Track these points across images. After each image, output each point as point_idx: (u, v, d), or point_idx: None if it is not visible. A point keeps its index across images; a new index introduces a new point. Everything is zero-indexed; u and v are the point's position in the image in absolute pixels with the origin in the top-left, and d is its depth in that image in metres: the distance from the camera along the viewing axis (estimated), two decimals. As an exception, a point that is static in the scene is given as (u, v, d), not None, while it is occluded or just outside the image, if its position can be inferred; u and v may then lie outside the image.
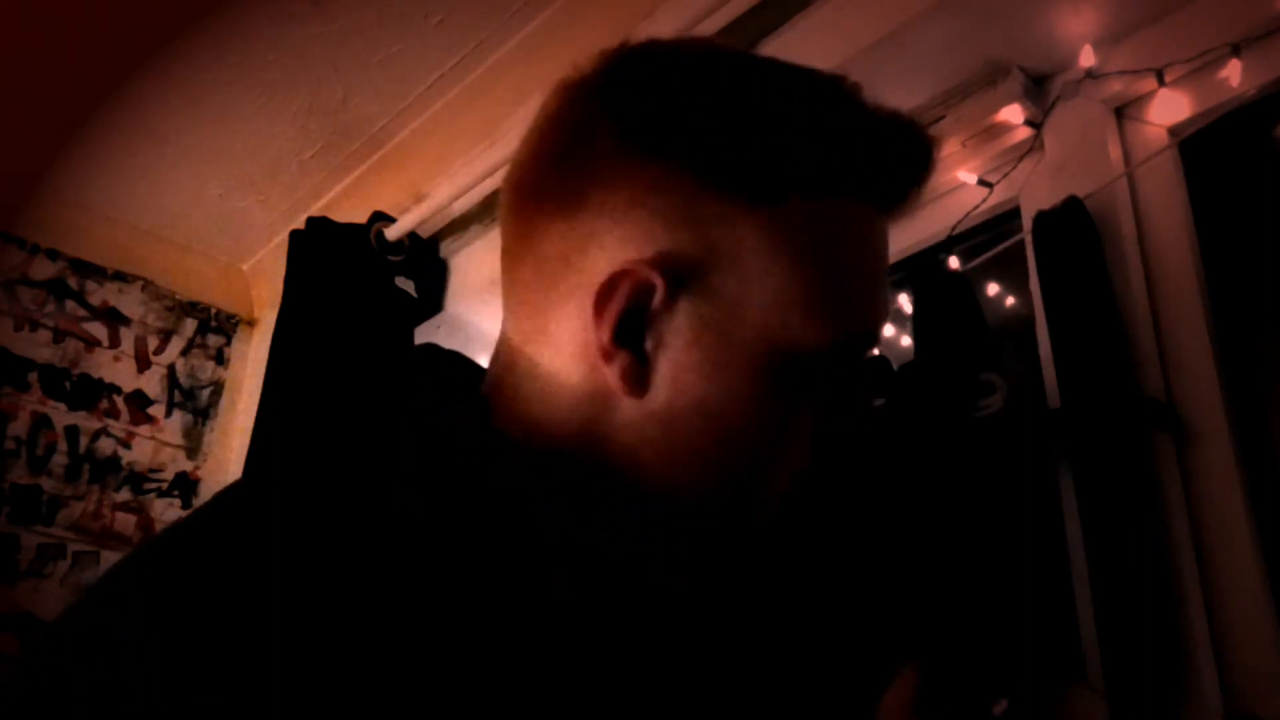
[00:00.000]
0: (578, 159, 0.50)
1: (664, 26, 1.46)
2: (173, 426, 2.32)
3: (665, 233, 0.48)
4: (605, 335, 0.49)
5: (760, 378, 0.49)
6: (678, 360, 0.49)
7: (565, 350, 0.51)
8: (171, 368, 2.35)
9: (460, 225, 1.95)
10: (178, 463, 2.31)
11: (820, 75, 0.54)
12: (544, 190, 0.51)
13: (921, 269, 1.41)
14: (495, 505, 0.47)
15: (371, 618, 0.42)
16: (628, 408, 0.49)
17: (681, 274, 0.48)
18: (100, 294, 2.27)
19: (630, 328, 0.49)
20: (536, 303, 0.51)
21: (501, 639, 0.44)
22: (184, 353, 2.39)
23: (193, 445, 2.35)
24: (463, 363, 0.57)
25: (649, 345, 0.49)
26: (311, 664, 0.41)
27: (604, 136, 0.50)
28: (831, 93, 0.53)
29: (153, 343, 2.34)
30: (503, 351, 0.54)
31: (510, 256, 0.53)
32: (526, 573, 0.47)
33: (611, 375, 0.49)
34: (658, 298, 0.48)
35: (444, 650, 0.42)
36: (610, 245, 0.49)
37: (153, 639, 0.41)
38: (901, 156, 0.53)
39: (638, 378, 0.49)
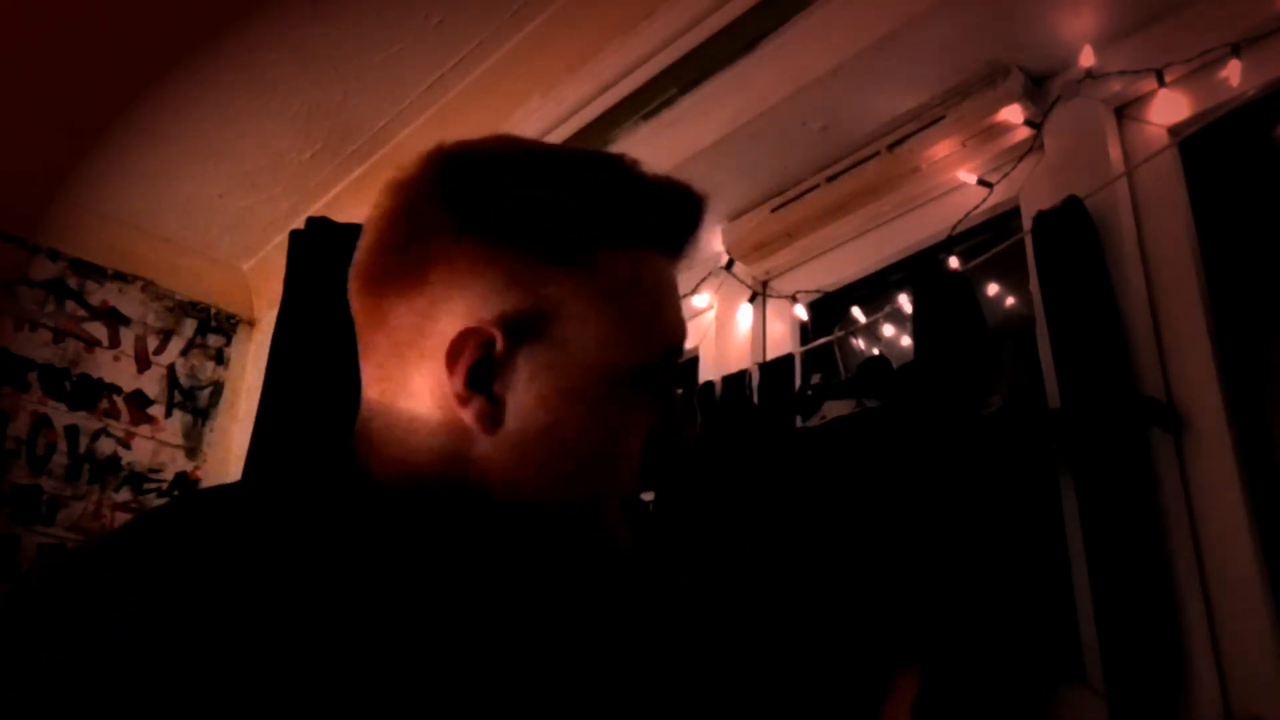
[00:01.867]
0: (419, 244, 0.62)
1: (663, 27, 1.46)
2: (173, 426, 2.32)
3: (500, 296, 0.60)
4: (459, 384, 0.59)
5: (591, 400, 0.59)
6: (522, 397, 0.59)
7: (425, 401, 0.61)
8: (171, 368, 2.35)
9: (460, 225, 1.94)
10: (177, 463, 2.31)
11: (604, 155, 0.67)
12: (391, 273, 0.63)
13: (921, 269, 1.41)
14: (369, 534, 0.57)
15: (346, 617, 0.50)
16: (484, 441, 0.60)
17: (517, 328, 0.60)
18: (100, 294, 2.28)
19: (479, 376, 0.59)
20: (394, 365, 0.62)
21: (392, 643, 0.51)
22: (184, 353, 2.39)
23: (193, 445, 2.35)
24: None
25: (497, 388, 0.60)
26: (303, 658, 0.46)
27: (440, 225, 0.61)
28: (615, 168, 0.65)
29: (153, 343, 2.34)
30: (365, 410, 0.64)
31: (365, 331, 0.65)
32: (411, 583, 0.55)
33: (468, 416, 0.59)
34: (499, 349, 0.59)
35: (400, 646, 0.51)
36: (456, 311, 0.60)
37: (151, 637, 0.42)
38: (677, 211, 0.65)
39: (491, 416, 0.59)
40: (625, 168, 0.65)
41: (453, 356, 0.59)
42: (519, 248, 0.60)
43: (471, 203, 0.62)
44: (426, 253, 0.61)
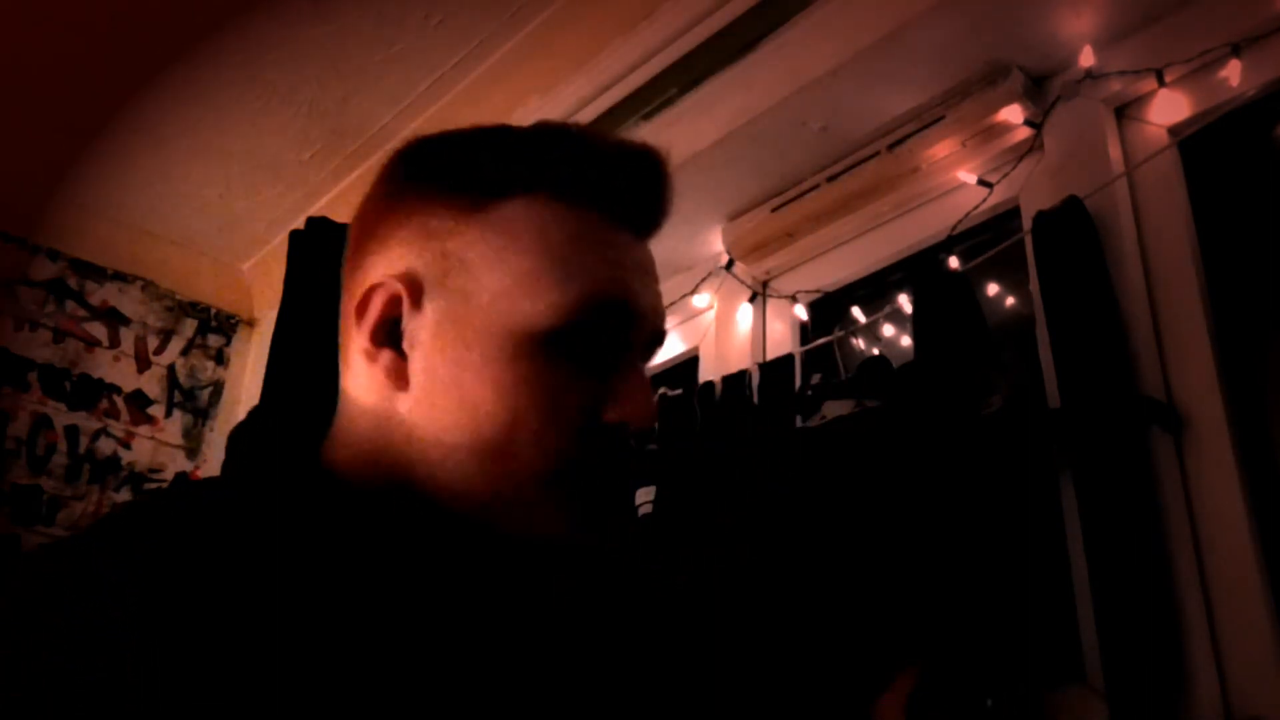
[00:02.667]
0: (361, 220, 0.62)
1: (663, 27, 1.46)
2: (173, 426, 2.32)
3: (410, 251, 0.59)
4: (364, 339, 0.58)
5: (497, 356, 0.55)
6: (427, 352, 0.57)
7: (357, 371, 0.60)
8: (171, 368, 2.35)
9: (460, 225, 1.95)
10: (177, 463, 2.31)
11: (556, 123, 0.64)
12: (346, 255, 0.64)
13: (921, 269, 1.41)
14: (318, 528, 0.55)
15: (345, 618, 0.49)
16: (401, 403, 0.58)
17: (423, 281, 0.58)
18: (100, 294, 2.28)
19: (388, 332, 0.58)
20: (344, 345, 0.62)
21: (361, 640, 0.50)
22: (184, 353, 2.39)
23: (192, 445, 2.35)
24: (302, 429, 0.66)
25: (405, 344, 0.58)
26: (303, 657, 0.45)
27: (376, 194, 0.62)
28: (552, 127, 0.62)
29: (153, 343, 2.34)
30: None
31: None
32: (367, 579, 0.53)
33: (378, 372, 0.58)
34: (405, 303, 0.58)
35: (393, 645, 0.50)
36: (371, 271, 0.60)
37: (151, 637, 0.42)
38: (605, 160, 0.60)
39: (398, 372, 0.58)
40: (564, 127, 0.62)
41: (360, 313, 0.59)
42: (434, 202, 0.59)
43: (403, 166, 0.62)
44: (364, 226, 0.62)
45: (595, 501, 0.57)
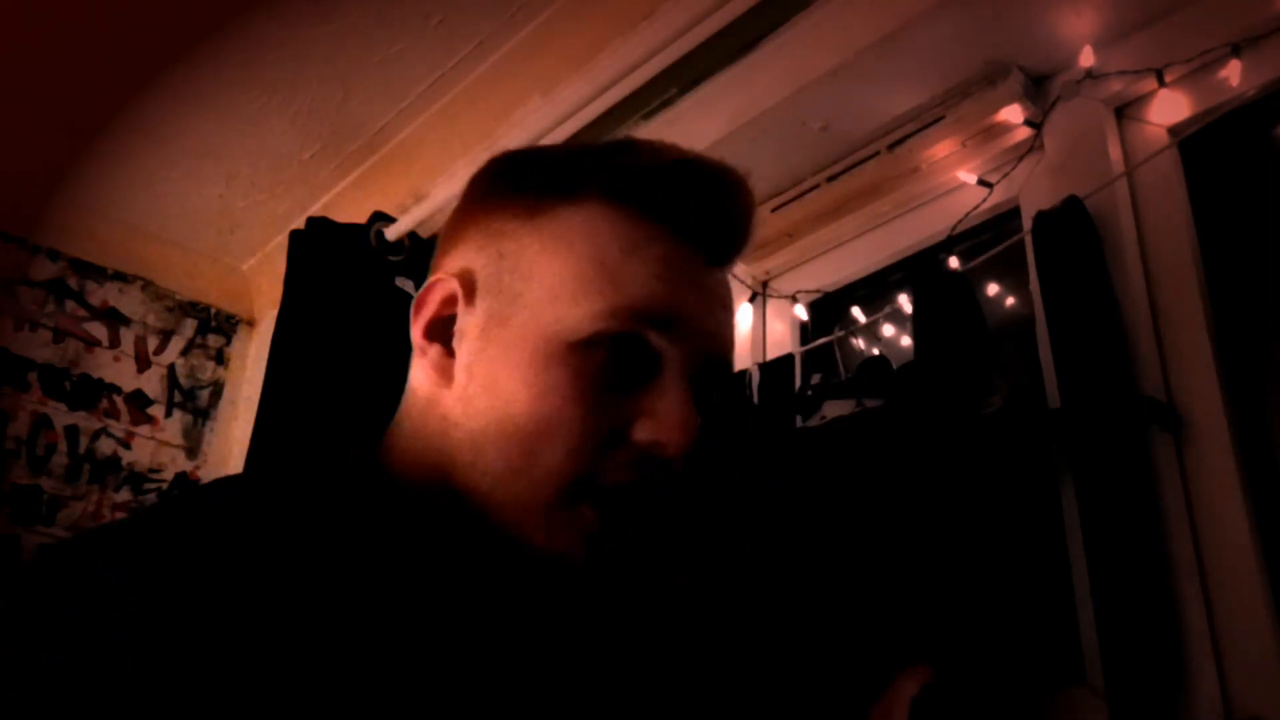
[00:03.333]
0: (451, 219, 0.63)
1: (663, 27, 1.46)
2: (173, 426, 2.32)
3: (472, 251, 0.60)
4: (418, 334, 0.60)
5: (533, 360, 0.55)
6: (471, 350, 0.57)
7: (414, 363, 0.61)
8: (171, 368, 2.35)
9: (460, 225, 1.94)
10: (177, 463, 2.31)
11: (636, 139, 0.63)
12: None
13: (921, 269, 1.41)
14: (363, 528, 0.55)
15: (346, 616, 0.49)
16: (445, 399, 0.58)
17: (478, 280, 0.58)
18: (100, 294, 2.27)
19: (440, 329, 0.59)
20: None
21: (383, 642, 0.50)
22: (184, 353, 2.39)
23: (193, 445, 2.35)
24: (366, 419, 0.66)
25: (455, 341, 0.59)
26: (302, 657, 0.45)
27: (468, 191, 0.63)
28: (628, 139, 0.62)
29: (153, 343, 2.34)
30: None
31: None
32: (400, 580, 0.53)
33: (427, 368, 0.59)
34: (460, 301, 0.59)
35: (397, 643, 0.50)
36: (438, 270, 0.61)
37: (150, 636, 0.42)
38: (665, 171, 0.58)
39: (443, 368, 0.58)
40: (640, 140, 0.61)
41: (417, 308, 0.60)
42: (500, 205, 0.59)
43: (483, 174, 0.63)
44: (445, 229, 0.63)
45: (606, 522, 0.55)
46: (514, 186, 0.60)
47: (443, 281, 0.59)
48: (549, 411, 0.53)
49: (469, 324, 0.58)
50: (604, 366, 0.54)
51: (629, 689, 0.60)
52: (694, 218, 0.57)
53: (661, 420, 0.54)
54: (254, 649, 0.45)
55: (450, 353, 0.59)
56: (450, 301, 0.59)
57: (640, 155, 0.59)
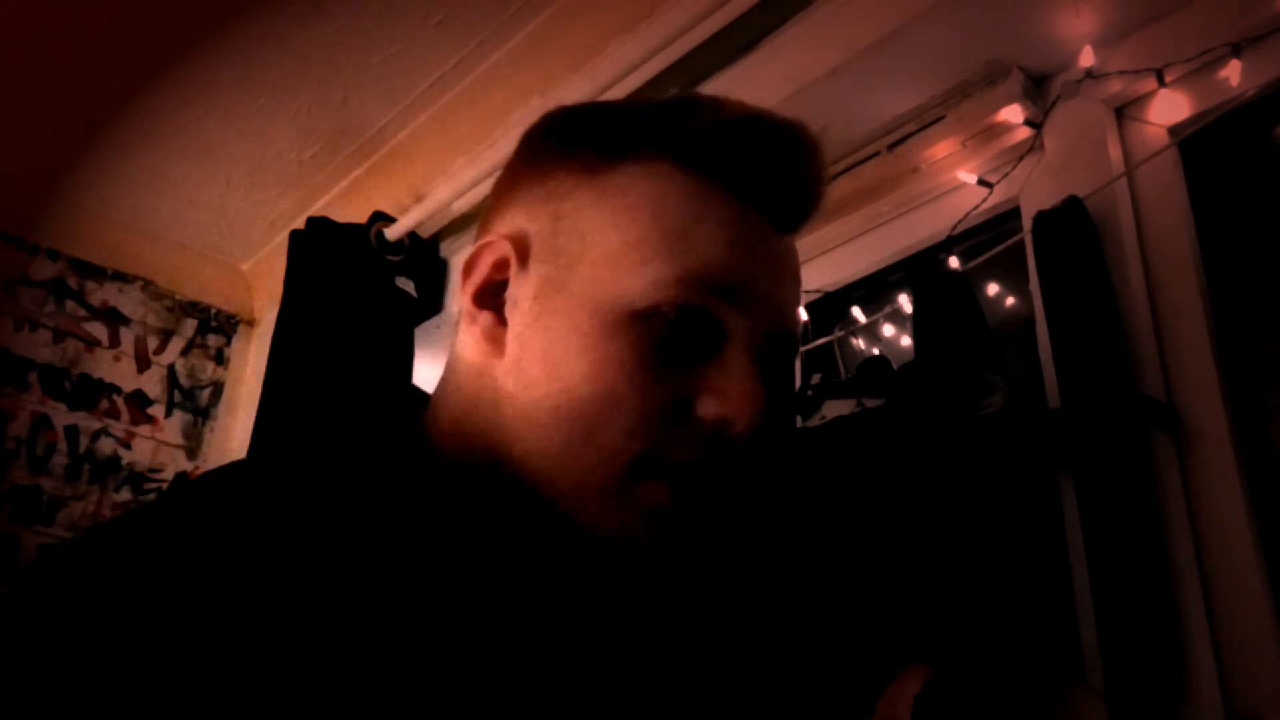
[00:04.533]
0: (501, 179, 0.59)
1: (663, 26, 1.46)
2: (173, 426, 2.32)
3: (525, 212, 0.55)
4: (468, 300, 0.56)
5: (592, 329, 0.51)
6: (525, 318, 0.54)
7: (460, 330, 0.57)
8: (171, 368, 2.35)
9: (460, 225, 1.95)
10: (178, 463, 2.31)
11: (699, 93, 0.60)
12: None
13: (921, 269, 1.41)
14: (420, 503, 0.52)
15: (355, 613, 0.45)
16: (496, 369, 0.54)
17: (531, 243, 0.54)
18: (100, 294, 2.28)
19: (491, 293, 0.55)
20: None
21: (398, 636, 0.47)
22: (184, 353, 2.39)
23: (193, 445, 2.35)
24: (410, 389, 0.63)
25: (507, 308, 0.55)
26: (298, 653, 0.43)
27: (520, 149, 0.59)
28: (691, 94, 0.57)
29: (153, 343, 2.34)
30: None
31: None
32: (422, 571, 0.50)
33: (476, 336, 0.55)
34: (513, 265, 0.55)
35: (410, 637, 0.47)
36: (488, 234, 0.57)
37: (149, 637, 0.41)
38: (736, 129, 0.54)
39: (495, 337, 0.54)
40: (705, 96, 0.57)
41: (467, 271, 0.56)
42: (556, 164, 0.55)
43: (536, 131, 0.59)
44: (495, 190, 0.59)
45: (680, 499, 0.51)
46: (571, 143, 0.56)
47: (494, 244, 0.55)
48: (609, 385, 0.50)
49: (522, 289, 0.54)
50: (667, 337, 0.51)
51: (683, 674, 0.57)
52: (765, 181, 0.54)
53: (728, 396, 0.51)
54: (295, 635, 0.43)
55: (502, 320, 0.55)
56: (502, 265, 0.55)
57: (707, 112, 0.54)
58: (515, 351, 0.53)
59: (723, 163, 0.53)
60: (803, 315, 1.57)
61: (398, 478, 0.52)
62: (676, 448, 0.51)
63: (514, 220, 0.56)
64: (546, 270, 0.53)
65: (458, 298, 0.57)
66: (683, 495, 0.52)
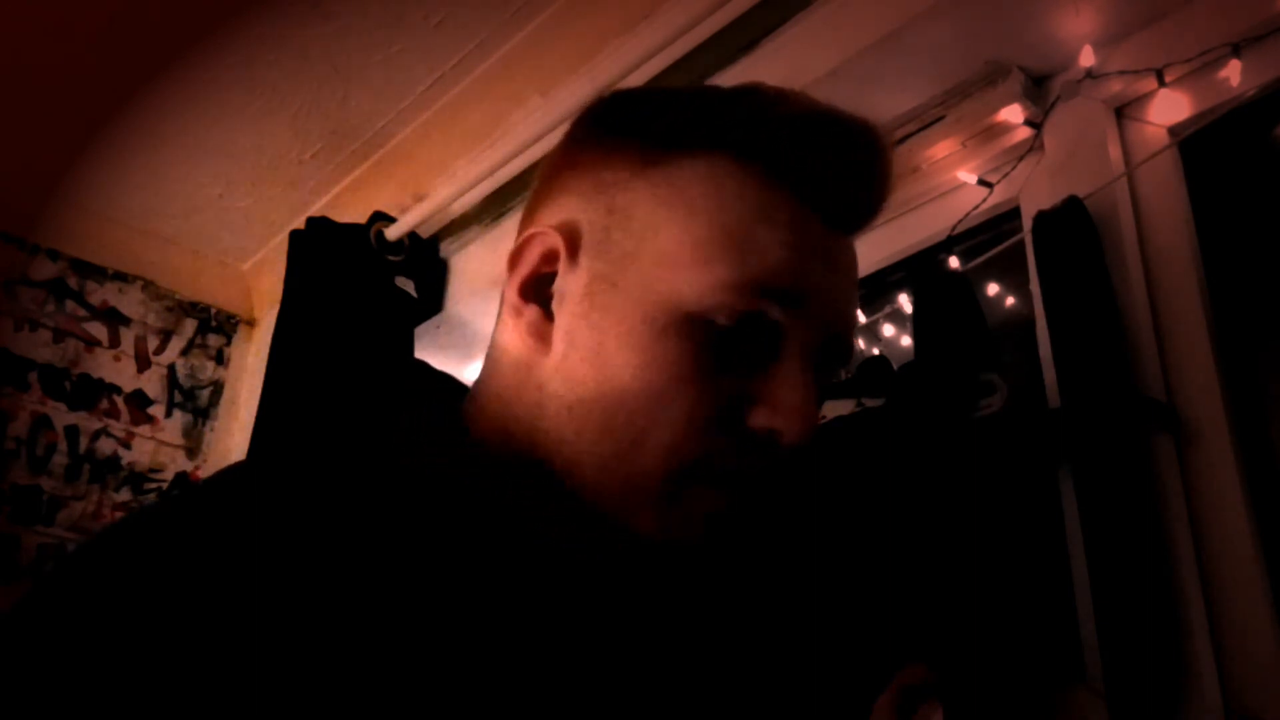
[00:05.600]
0: (550, 166, 0.57)
1: (663, 26, 1.46)
2: (173, 426, 2.32)
3: (577, 202, 0.53)
4: (513, 292, 0.53)
5: (642, 328, 0.49)
6: (573, 313, 0.52)
7: (503, 323, 0.55)
8: (171, 368, 2.35)
9: (460, 225, 1.95)
10: (178, 463, 2.31)
11: (765, 85, 0.56)
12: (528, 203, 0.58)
13: (921, 269, 1.41)
14: (458, 499, 0.50)
15: (363, 613, 0.43)
16: (541, 366, 0.52)
17: (583, 235, 0.52)
18: (100, 294, 2.28)
19: (541, 288, 0.53)
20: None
21: (459, 616, 0.45)
22: (184, 353, 2.39)
23: (193, 445, 2.35)
24: (434, 375, 0.61)
25: (555, 303, 0.53)
26: (307, 655, 0.41)
27: (563, 144, 0.57)
28: (757, 86, 0.54)
29: (153, 343, 2.34)
30: None
31: None
32: (488, 559, 0.48)
33: (521, 330, 0.53)
34: (562, 257, 0.52)
35: (426, 639, 0.44)
36: (536, 222, 0.55)
37: (156, 643, 0.41)
38: (801, 127, 0.52)
39: (541, 332, 0.52)
40: (771, 89, 0.54)
41: (514, 263, 0.54)
42: (611, 153, 0.53)
43: (589, 117, 0.57)
44: (543, 177, 0.57)
45: (732, 504, 0.50)
46: (628, 132, 0.53)
47: (542, 235, 0.53)
48: (660, 388, 0.48)
49: (571, 284, 0.52)
50: (721, 343, 0.49)
51: (695, 675, 0.55)
52: (828, 180, 0.51)
53: (780, 406, 0.50)
54: (326, 638, 0.41)
55: (549, 315, 0.53)
56: (551, 258, 0.53)
57: (769, 106, 0.52)
58: (562, 349, 0.52)
59: (785, 160, 0.51)
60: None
61: (434, 472, 0.51)
62: (725, 455, 0.50)
63: (564, 210, 0.54)
64: (598, 265, 0.51)
65: (505, 288, 0.55)
66: (732, 501, 0.51)
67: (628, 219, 0.51)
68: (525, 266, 0.54)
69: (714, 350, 0.49)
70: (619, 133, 0.54)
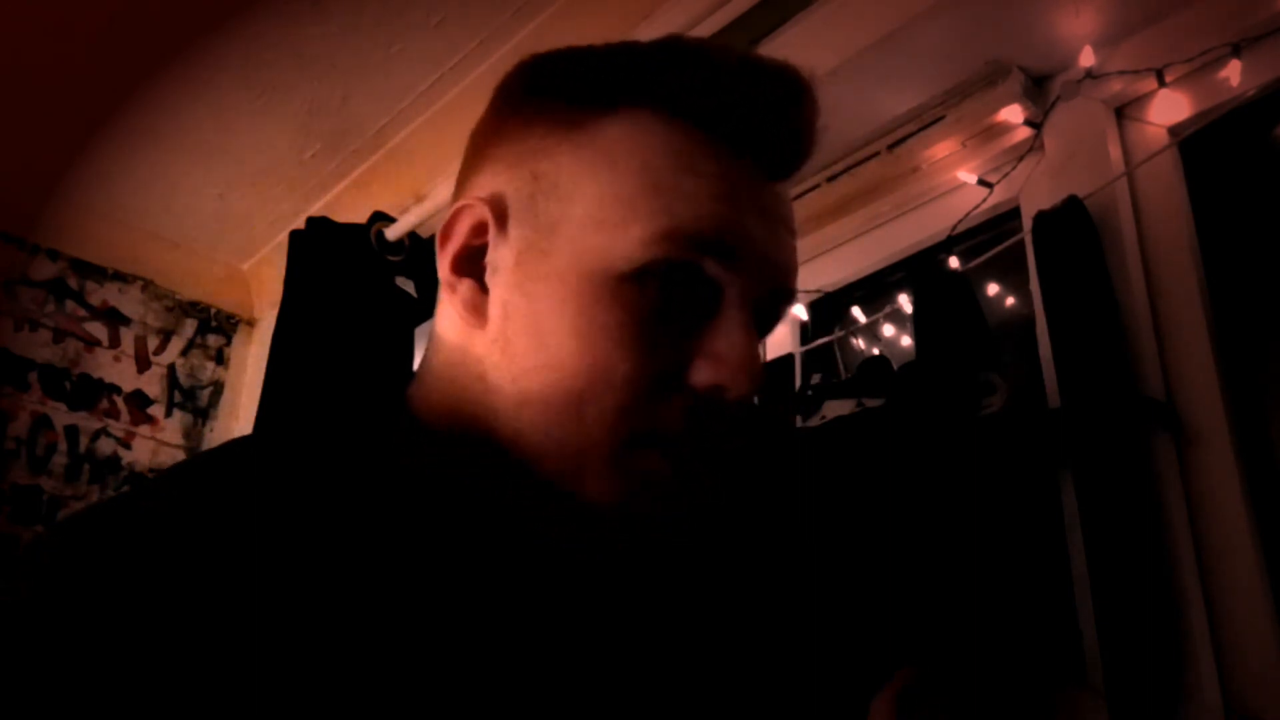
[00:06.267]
0: (476, 135, 0.56)
1: (663, 26, 1.46)
2: (173, 426, 2.32)
3: (502, 172, 0.52)
4: (445, 268, 0.52)
5: (577, 296, 0.48)
6: (507, 285, 0.51)
7: (440, 302, 0.54)
8: (171, 368, 2.35)
9: (460, 225, 1.95)
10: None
11: (682, 36, 0.55)
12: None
13: (921, 269, 1.41)
14: (410, 484, 0.49)
15: (344, 601, 0.43)
16: (478, 341, 0.51)
17: (509, 205, 0.51)
18: (100, 294, 2.28)
19: (470, 261, 0.52)
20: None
21: (407, 595, 0.45)
22: (184, 353, 2.39)
23: (193, 445, 2.35)
24: (402, 369, 0.61)
25: (487, 275, 0.52)
26: (295, 641, 0.41)
27: (495, 103, 0.55)
28: (675, 39, 0.53)
29: (153, 343, 2.34)
30: None
31: None
32: (435, 535, 0.48)
33: (456, 306, 0.52)
34: (491, 229, 0.51)
35: (396, 618, 0.44)
36: (465, 196, 0.54)
37: (141, 624, 0.40)
38: (729, 75, 0.51)
39: (476, 306, 0.51)
40: (688, 40, 0.53)
41: (443, 238, 0.53)
42: (533, 119, 0.52)
43: (511, 83, 0.55)
44: (469, 148, 0.56)
45: (676, 469, 0.49)
46: (547, 94, 0.52)
47: (470, 208, 0.52)
48: (598, 356, 0.47)
49: (502, 255, 0.51)
50: (657, 301, 0.48)
51: (683, 671, 0.55)
52: (754, 126, 0.50)
53: (723, 361, 0.48)
54: (280, 627, 0.41)
55: (483, 288, 0.52)
56: (480, 230, 0.52)
57: (689, 56, 0.51)
58: (498, 321, 0.51)
59: (709, 110, 0.49)
60: (804, 314, 1.57)
61: (381, 458, 0.50)
62: (671, 417, 0.48)
63: (491, 181, 0.53)
64: (527, 234, 0.50)
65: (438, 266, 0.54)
66: (679, 465, 0.49)
67: (553, 184, 0.50)
68: (455, 241, 0.53)
69: (650, 310, 0.48)
70: (541, 96, 0.53)
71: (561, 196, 0.50)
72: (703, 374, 0.48)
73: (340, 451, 0.50)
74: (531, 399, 0.49)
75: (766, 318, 0.52)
